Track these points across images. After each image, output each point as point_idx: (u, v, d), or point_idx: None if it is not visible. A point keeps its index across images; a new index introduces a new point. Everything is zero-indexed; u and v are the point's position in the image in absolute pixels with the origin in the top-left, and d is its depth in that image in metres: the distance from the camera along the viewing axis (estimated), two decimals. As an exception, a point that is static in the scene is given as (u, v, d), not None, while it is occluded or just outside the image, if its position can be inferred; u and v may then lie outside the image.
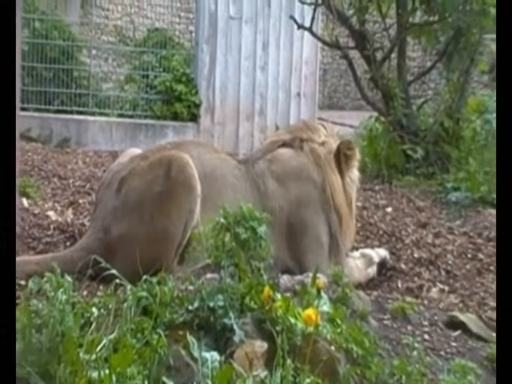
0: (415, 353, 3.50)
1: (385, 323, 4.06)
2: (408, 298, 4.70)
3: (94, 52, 14.07)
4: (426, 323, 4.17)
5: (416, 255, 5.73)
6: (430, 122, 9.11)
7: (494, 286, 5.02)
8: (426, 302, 4.82)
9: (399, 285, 5.17)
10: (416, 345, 3.59)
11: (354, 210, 5.38)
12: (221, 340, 3.16)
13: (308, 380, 2.95)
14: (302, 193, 4.96)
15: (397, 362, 3.36)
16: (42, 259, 4.53)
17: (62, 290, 3.05)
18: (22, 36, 11.61)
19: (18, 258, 4.22)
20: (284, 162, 5.07)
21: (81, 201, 6.54)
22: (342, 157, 5.14)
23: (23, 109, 11.50)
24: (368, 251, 5.33)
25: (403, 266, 5.51)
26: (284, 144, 5.19)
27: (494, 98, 8.91)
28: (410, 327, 4.06)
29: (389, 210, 6.98)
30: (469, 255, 5.90)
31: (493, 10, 8.02)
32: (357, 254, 5.29)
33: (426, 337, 3.96)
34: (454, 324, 4.19)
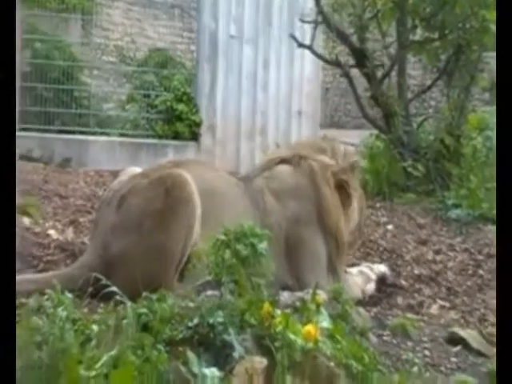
0: (415, 368, 3.50)
1: (385, 339, 4.07)
2: (408, 315, 4.72)
3: (95, 72, 14.17)
4: (426, 339, 4.19)
5: (416, 272, 5.73)
6: (430, 139, 9.12)
7: (494, 302, 5.02)
8: (426, 318, 4.82)
9: (399, 301, 5.17)
10: (416, 360, 3.59)
11: (358, 237, 5.38)
12: (220, 356, 3.16)
13: (308, 396, 2.96)
14: (299, 210, 4.92)
15: (396, 378, 3.35)
16: (43, 277, 4.52)
17: (62, 307, 3.06)
18: (23, 57, 11.69)
19: (18, 277, 4.23)
20: (281, 179, 5.05)
21: (81, 219, 6.53)
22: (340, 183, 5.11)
23: (25, 129, 11.53)
24: (364, 269, 5.31)
25: (404, 282, 5.51)
26: (283, 161, 5.19)
27: (495, 115, 8.94)
28: (410, 343, 4.07)
29: (390, 227, 6.99)
30: (469, 272, 5.91)
31: (493, 27, 8.05)
32: (354, 271, 5.28)
33: (427, 353, 3.97)
34: (455, 340, 4.20)
